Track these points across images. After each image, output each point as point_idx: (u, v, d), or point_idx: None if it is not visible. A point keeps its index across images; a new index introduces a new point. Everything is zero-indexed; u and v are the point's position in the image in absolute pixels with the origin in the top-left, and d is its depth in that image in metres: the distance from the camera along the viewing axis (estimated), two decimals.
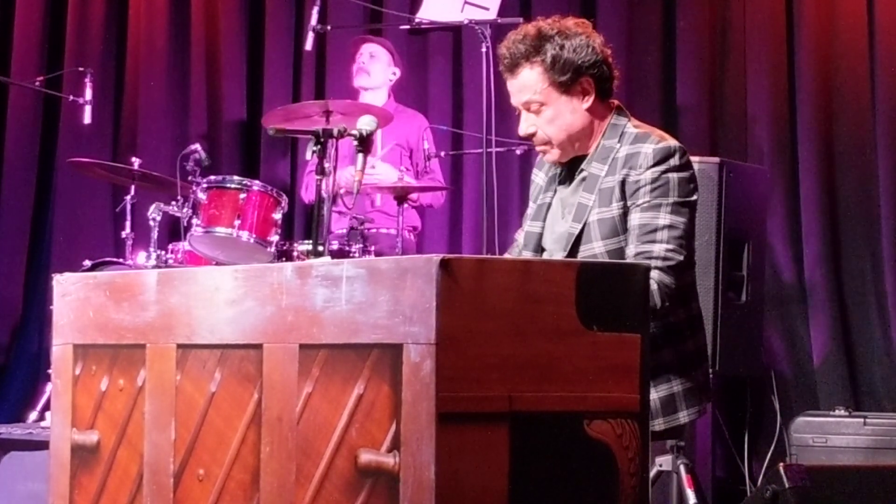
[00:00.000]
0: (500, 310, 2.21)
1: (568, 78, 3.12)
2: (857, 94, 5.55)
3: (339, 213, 5.49)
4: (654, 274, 2.99)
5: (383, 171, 5.60)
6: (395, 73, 5.95)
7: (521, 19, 5.47)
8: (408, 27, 5.88)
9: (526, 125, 3.20)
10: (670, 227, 3.04)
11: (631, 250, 3.04)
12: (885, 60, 5.50)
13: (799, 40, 5.65)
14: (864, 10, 5.54)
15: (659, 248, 3.03)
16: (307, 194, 5.86)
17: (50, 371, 3.15)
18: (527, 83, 3.15)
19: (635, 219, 3.06)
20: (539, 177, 3.36)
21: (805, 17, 5.63)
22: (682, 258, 3.05)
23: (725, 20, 5.84)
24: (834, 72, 5.60)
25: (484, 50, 4.99)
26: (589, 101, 3.15)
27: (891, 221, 5.40)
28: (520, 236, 3.41)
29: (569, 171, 3.25)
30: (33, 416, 5.60)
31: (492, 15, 5.81)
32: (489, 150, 5.00)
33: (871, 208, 5.49)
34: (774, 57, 5.68)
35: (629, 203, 3.08)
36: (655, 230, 3.04)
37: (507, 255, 3.49)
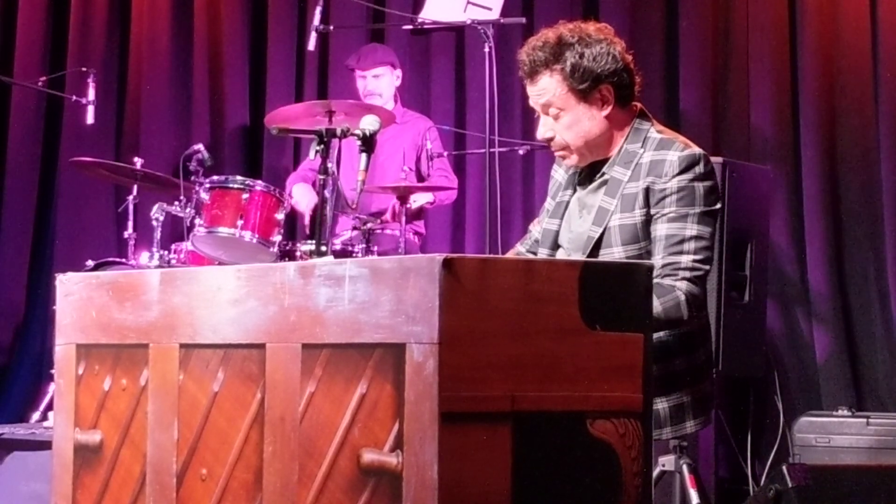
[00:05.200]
0: (503, 309, 2.21)
1: (587, 86, 3.11)
2: (860, 93, 5.54)
3: (343, 213, 5.49)
4: (683, 285, 3.01)
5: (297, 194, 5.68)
6: (398, 77, 5.96)
7: (523, 19, 5.50)
8: (410, 27, 5.87)
9: (544, 129, 3.20)
10: (697, 237, 3.05)
11: (658, 261, 3.04)
12: (887, 60, 5.49)
13: (802, 40, 5.65)
14: (866, 9, 5.54)
15: (686, 259, 3.03)
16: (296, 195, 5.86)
17: (53, 371, 3.14)
18: (545, 90, 3.14)
19: (662, 229, 3.06)
20: (559, 173, 3.36)
21: (808, 16, 5.63)
22: (708, 268, 3.07)
23: (728, 20, 5.84)
24: (837, 71, 5.60)
25: (487, 50, 4.99)
26: (608, 109, 3.14)
27: (894, 221, 5.40)
28: (534, 229, 3.41)
29: (589, 171, 3.25)
30: (36, 416, 5.60)
31: (494, 15, 5.81)
32: (492, 150, 5.00)
33: (875, 208, 5.49)
34: (777, 57, 5.67)
35: (653, 212, 3.07)
36: (683, 241, 3.04)
37: (517, 246, 3.51)
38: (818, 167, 5.57)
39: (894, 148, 5.45)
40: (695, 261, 3.04)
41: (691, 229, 3.05)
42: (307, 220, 5.78)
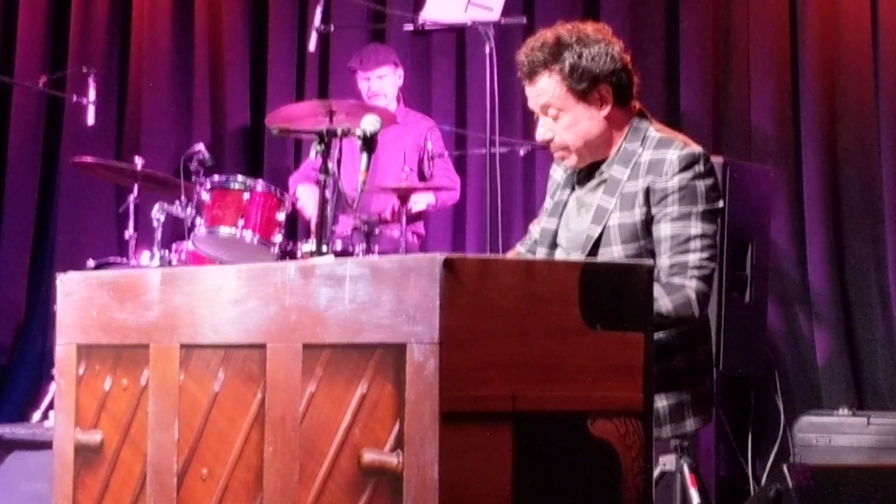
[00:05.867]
0: (504, 309, 2.21)
1: (585, 86, 3.12)
2: (861, 93, 5.54)
3: (343, 213, 5.49)
4: (693, 283, 3.02)
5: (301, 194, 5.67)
6: (401, 77, 5.96)
7: (524, 20, 5.49)
8: (411, 27, 5.87)
9: (543, 130, 3.20)
10: (702, 236, 3.06)
11: (664, 262, 3.04)
12: (888, 60, 5.50)
13: (802, 40, 5.65)
14: (867, 10, 5.54)
15: (693, 259, 3.04)
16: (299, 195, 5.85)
17: (53, 371, 3.14)
18: (544, 90, 3.15)
19: (666, 229, 3.06)
20: (558, 172, 3.36)
21: (808, 16, 5.63)
22: (714, 265, 3.08)
23: (729, 20, 5.84)
24: (837, 72, 5.60)
25: (487, 50, 4.98)
26: (607, 109, 3.15)
27: (894, 221, 5.40)
28: (534, 229, 3.42)
29: (588, 170, 3.25)
30: (37, 415, 5.59)
31: (495, 15, 5.79)
32: (493, 150, 4.99)
33: (875, 208, 5.49)
34: (778, 57, 5.67)
35: (654, 211, 3.08)
36: (688, 240, 3.05)
37: (517, 247, 3.51)
38: (819, 167, 5.57)
39: (895, 147, 5.45)
40: (702, 259, 3.05)
41: (695, 228, 3.06)
42: (313, 224, 5.77)
